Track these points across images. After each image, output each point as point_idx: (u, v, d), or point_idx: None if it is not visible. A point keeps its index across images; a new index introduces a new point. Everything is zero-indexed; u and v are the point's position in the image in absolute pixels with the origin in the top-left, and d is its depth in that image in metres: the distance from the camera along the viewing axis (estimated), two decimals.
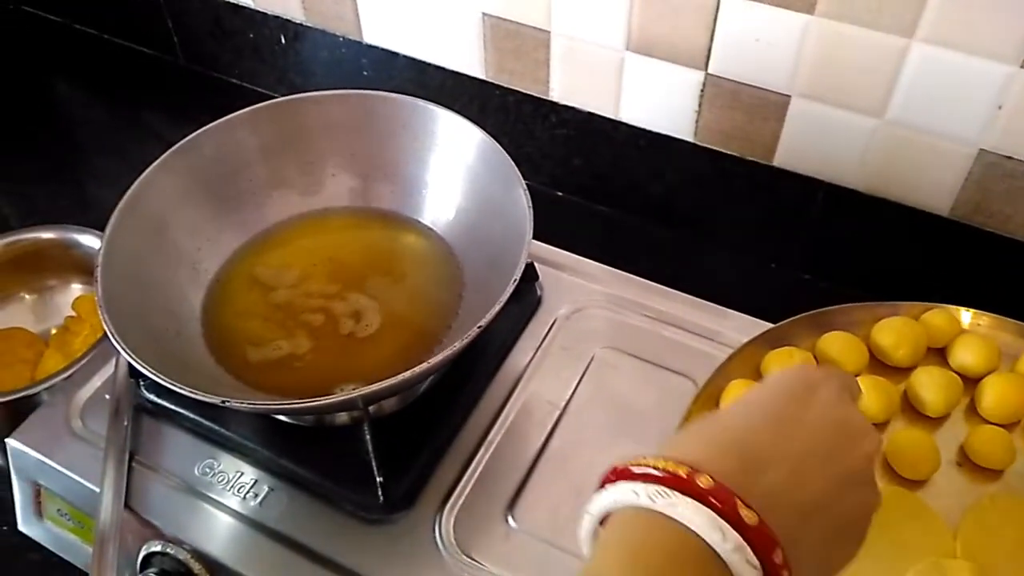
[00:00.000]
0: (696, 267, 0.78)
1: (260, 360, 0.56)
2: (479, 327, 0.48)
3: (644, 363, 0.60)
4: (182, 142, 0.60)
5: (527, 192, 0.55)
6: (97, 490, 0.55)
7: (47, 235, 0.74)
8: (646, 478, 0.31)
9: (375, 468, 0.52)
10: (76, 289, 0.76)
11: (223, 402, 0.46)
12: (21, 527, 0.61)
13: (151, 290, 0.56)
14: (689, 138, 0.76)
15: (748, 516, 0.29)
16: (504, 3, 0.75)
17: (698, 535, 0.29)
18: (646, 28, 0.70)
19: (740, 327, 0.62)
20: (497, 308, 0.49)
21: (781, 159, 0.73)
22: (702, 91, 0.72)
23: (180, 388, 0.46)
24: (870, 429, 0.36)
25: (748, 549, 0.28)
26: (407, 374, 0.47)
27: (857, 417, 0.36)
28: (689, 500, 0.29)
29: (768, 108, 0.70)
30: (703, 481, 0.29)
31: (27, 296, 0.76)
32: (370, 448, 0.53)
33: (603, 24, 0.71)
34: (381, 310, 0.59)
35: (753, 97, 0.70)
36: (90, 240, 0.73)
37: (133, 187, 0.57)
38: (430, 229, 0.64)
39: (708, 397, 0.53)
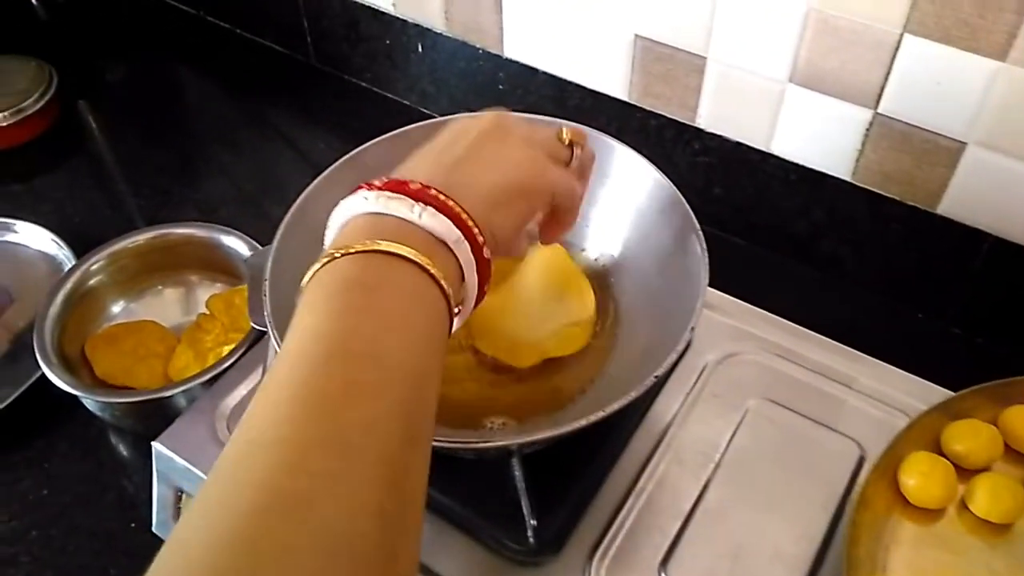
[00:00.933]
0: (837, 310, 0.74)
1: None
2: (655, 376, 0.46)
3: (803, 419, 0.57)
4: (353, 153, 0.59)
5: (702, 238, 0.53)
6: None
7: (191, 232, 0.75)
8: (370, 187, 0.38)
9: (527, 508, 0.51)
10: (213, 287, 0.77)
11: None
12: (156, 529, 0.61)
13: None
14: (846, 177, 0.72)
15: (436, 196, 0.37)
16: (660, 27, 0.73)
17: (395, 215, 0.36)
18: (815, 61, 0.67)
19: (909, 390, 0.59)
20: (673, 357, 0.47)
21: (946, 207, 0.69)
22: (867, 130, 0.68)
23: None
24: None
25: (433, 211, 0.36)
26: (582, 423, 0.44)
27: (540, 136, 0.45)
28: (395, 194, 0.36)
29: (939, 154, 0.66)
30: (412, 185, 0.37)
31: (164, 289, 0.77)
32: (522, 487, 0.51)
33: (767, 54, 0.69)
34: None
35: (924, 141, 0.66)
36: (232, 241, 0.73)
37: (300, 199, 0.56)
38: (588, 264, 0.62)
39: (885, 468, 0.50)
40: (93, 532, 0.65)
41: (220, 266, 0.75)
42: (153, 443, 0.58)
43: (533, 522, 0.50)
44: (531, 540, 0.51)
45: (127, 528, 0.66)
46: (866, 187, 0.72)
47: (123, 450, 0.71)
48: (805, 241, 0.79)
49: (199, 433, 0.58)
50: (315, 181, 0.57)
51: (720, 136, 0.77)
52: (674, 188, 0.56)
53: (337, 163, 0.58)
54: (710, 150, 0.78)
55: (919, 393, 0.58)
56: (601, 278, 0.61)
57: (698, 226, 0.53)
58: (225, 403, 0.60)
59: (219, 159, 0.98)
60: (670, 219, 0.55)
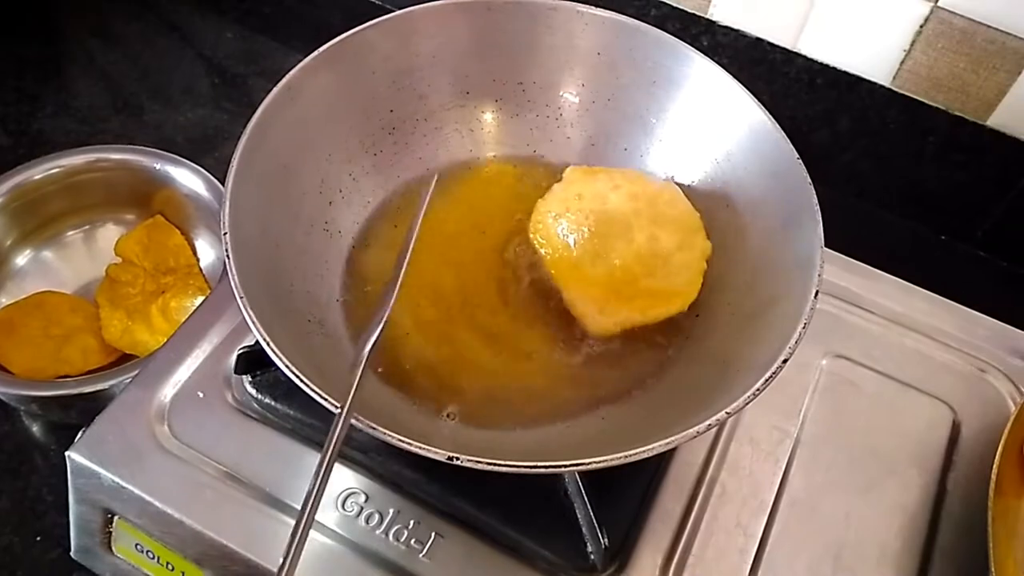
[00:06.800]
0: (852, 230, 0.66)
1: (422, 364, 0.41)
2: (754, 391, 0.35)
3: (884, 378, 0.49)
4: (328, 47, 0.42)
5: (818, 214, 0.40)
6: (194, 524, 0.41)
7: (72, 162, 0.57)
8: None
9: (593, 522, 0.40)
10: (117, 229, 0.59)
11: (451, 458, 0.32)
12: (75, 555, 0.46)
13: (284, 263, 0.41)
14: (884, 82, 0.63)
15: None
16: None
17: None
18: None
19: (989, 336, 0.51)
20: (784, 357, 0.36)
21: (998, 119, 0.60)
22: (921, 27, 0.58)
23: (397, 439, 0.32)
24: None
25: None
26: (656, 445, 0.33)
27: None
28: None
29: (1004, 56, 0.57)
30: None
31: (44, 248, 0.59)
32: (585, 499, 0.40)
33: None
34: None
35: (989, 41, 0.57)
36: (128, 158, 0.56)
37: (256, 117, 0.40)
38: None
39: (1011, 447, 0.42)
40: None
41: (122, 197, 0.58)
42: (68, 453, 0.43)
43: (605, 542, 0.39)
44: (592, 557, 0.40)
45: (31, 544, 0.51)
46: (906, 94, 0.62)
47: (27, 432, 0.55)
48: (821, 155, 0.69)
49: (129, 436, 0.43)
50: (272, 93, 0.41)
51: (737, 31, 0.65)
52: (785, 139, 0.43)
53: (307, 61, 0.42)
54: (722, 47, 0.66)
55: (1002, 340, 0.50)
56: None
57: (816, 204, 0.41)
58: (161, 392, 0.45)
59: (96, 57, 0.78)
60: (772, 179, 0.43)
